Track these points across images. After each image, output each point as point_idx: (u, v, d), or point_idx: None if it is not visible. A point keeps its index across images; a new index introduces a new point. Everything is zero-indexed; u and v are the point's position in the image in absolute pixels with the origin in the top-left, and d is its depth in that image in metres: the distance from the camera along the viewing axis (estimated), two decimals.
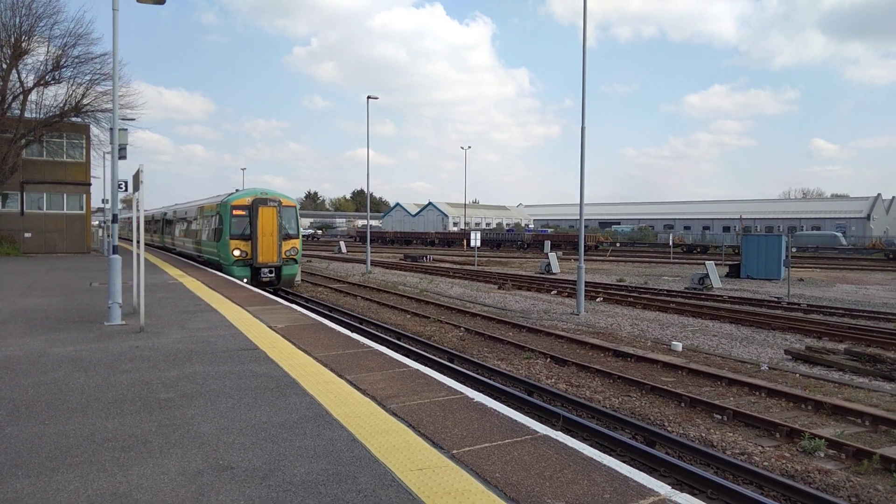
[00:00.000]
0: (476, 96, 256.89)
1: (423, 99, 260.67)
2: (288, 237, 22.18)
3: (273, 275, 21.79)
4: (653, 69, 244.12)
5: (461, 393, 6.56)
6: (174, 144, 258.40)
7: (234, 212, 21.58)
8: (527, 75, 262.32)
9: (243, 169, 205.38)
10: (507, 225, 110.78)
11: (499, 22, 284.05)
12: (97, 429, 5.38)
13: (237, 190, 24.39)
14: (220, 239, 22.17)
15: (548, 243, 59.38)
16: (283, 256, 21.98)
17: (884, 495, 6.81)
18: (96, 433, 5.27)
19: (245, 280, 20.43)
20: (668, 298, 24.01)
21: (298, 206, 23.76)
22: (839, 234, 71.70)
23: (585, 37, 20.15)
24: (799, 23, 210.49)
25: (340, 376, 7.21)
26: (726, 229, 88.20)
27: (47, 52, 32.23)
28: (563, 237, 68.34)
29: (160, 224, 42.53)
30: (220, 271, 22.24)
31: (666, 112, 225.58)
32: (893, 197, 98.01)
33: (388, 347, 9.58)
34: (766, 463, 7.71)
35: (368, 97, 37.92)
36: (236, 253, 21.35)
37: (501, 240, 73.33)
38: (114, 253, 11.92)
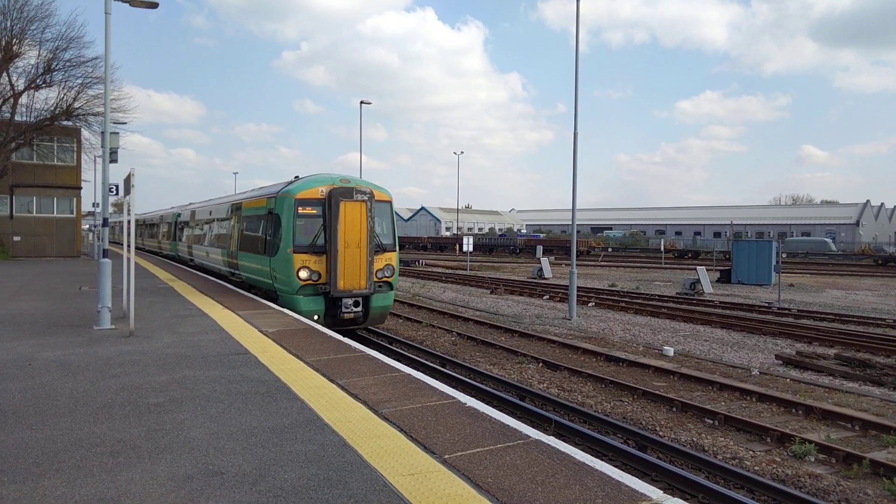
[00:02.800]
0: (468, 101, 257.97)
1: (414, 104, 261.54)
2: (381, 249, 14.59)
3: (360, 309, 14.27)
4: (645, 74, 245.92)
5: (453, 398, 6.54)
6: (165, 148, 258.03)
7: (300, 209, 14.07)
8: (519, 80, 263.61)
9: (235, 173, 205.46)
10: (500, 230, 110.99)
11: (491, 27, 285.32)
12: (85, 434, 5.32)
13: (297, 177, 16.16)
14: (274, 252, 14.46)
15: (540, 248, 59.48)
16: (375, 279, 14.35)
17: (873, 500, 6.84)
18: (84, 438, 5.21)
19: (316, 317, 13.64)
20: (660, 303, 24.08)
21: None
22: (829, 240, 72.26)
23: (578, 42, 20.26)
24: (790, 29, 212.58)
25: (332, 381, 7.18)
26: (717, 235, 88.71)
27: (38, 55, 32.16)
28: (555, 242, 68.47)
29: (171, 228, 32.66)
30: (273, 301, 15.02)
31: (658, 118, 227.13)
32: (882, 203, 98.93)
33: (380, 352, 9.55)
34: (756, 467, 7.73)
35: (362, 102, 38.11)
36: (303, 274, 13.78)
37: (494, 245, 73.40)
38: (104, 257, 11.85)
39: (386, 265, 14.79)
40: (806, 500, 6.64)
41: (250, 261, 16.77)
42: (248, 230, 17.44)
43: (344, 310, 14.15)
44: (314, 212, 14.20)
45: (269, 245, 15.01)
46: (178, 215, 31.00)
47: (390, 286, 14.99)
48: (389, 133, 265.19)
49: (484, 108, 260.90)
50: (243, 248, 17.61)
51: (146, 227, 44.33)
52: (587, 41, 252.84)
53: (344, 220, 13.94)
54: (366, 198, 14.18)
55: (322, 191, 14.19)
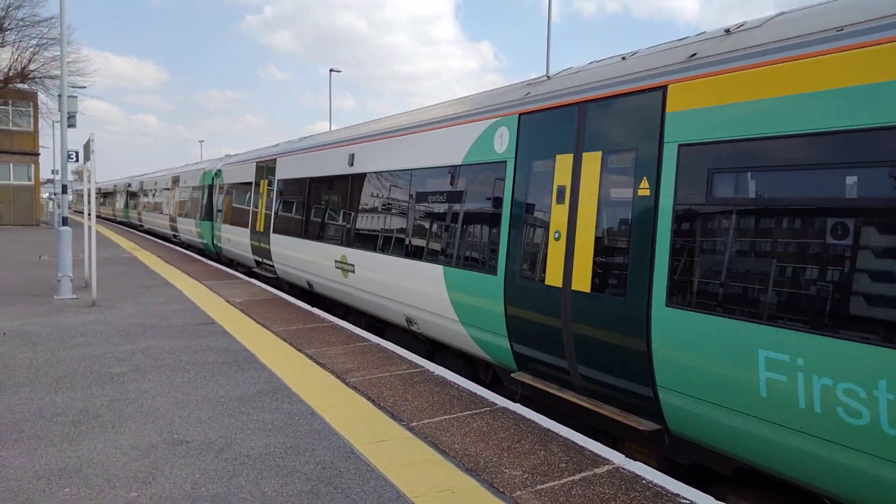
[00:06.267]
0: (439, 70, 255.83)
1: (384, 72, 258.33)
2: None
3: None
4: (616, 46, 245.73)
5: (421, 366, 6.57)
6: (125, 114, 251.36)
7: None
8: (491, 49, 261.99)
9: (201, 141, 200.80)
10: None
11: None
12: (46, 403, 5.22)
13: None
14: None
15: None
16: None
17: None
18: (45, 408, 5.11)
19: None
20: None
21: None
22: None
23: (550, 14, 20.10)
24: (758, 3, 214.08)
25: (300, 351, 7.14)
26: None
27: None
28: None
29: (202, 199, 19.36)
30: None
31: None
32: None
33: (349, 322, 9.51)
34: None
35: (331, 70, 37.36)
36: None
37: None
38: (64, 225, 11.52)
39: None
40: None
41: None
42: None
43: None
44: None
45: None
46: (217, 175, 18.13)
47: None
48: (358, 102, 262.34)
49: (455, 78, 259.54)
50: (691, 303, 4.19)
51: (144, 194, 31.38)
52: (559, 11, 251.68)
53: None
54: None
55: None
